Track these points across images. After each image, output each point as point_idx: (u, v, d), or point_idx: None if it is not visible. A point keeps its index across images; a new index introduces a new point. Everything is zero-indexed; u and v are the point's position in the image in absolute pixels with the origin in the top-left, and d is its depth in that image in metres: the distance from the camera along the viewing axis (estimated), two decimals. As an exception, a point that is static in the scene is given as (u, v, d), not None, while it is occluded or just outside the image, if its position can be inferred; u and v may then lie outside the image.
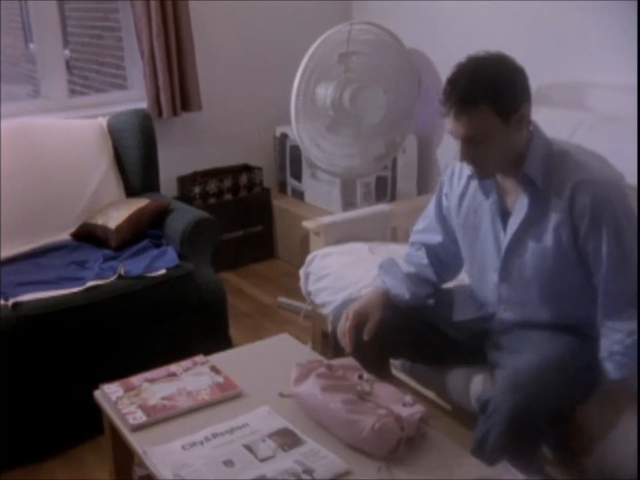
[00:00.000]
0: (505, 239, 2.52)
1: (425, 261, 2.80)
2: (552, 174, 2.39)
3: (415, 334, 2.68)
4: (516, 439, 2.22)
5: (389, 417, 2.16)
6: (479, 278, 2.70)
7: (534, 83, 3.88)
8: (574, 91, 3.83)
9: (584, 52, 3.86)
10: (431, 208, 2.83)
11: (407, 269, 2.79)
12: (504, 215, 2.53)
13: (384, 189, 4.83)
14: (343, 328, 2.61)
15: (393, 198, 4.85)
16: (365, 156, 4.31)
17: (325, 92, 4.03)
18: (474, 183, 2.60)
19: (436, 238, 2.81)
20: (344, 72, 4.05)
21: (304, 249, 3.93)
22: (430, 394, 2.94)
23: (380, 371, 2.59)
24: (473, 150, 2.35)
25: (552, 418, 2.29)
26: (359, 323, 2.60)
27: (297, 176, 5.11)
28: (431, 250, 2.82)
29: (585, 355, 2.42)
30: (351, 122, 4.12)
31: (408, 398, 2.29)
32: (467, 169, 2.57)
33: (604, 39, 3.75)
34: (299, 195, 5.17)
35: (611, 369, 2.35)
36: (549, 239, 2.41)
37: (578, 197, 2.33)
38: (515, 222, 2.48)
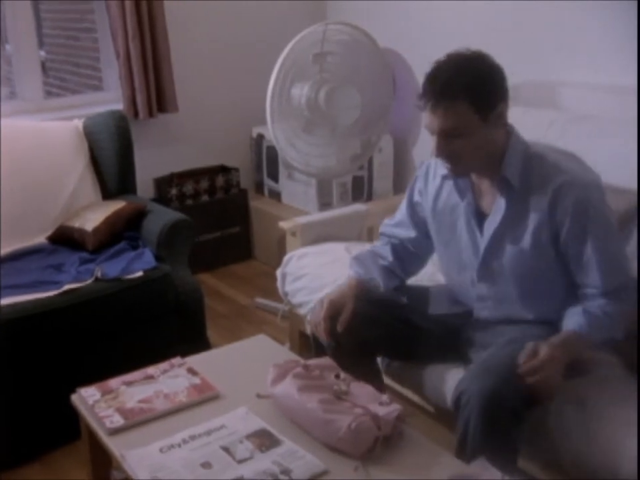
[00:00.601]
0: (483, 241, 2.53)
1: (390, 257, 2.83)
2: (530, 176, 2.41)
3: (389, 327, 2.70)
4: (494, 426, 2.22)
5: (365, 416, 2.16)
6: (456, 277, 2.72)
7: (509, 81, 3.90)
8: (546, 89, 3.85)
9: (557, 51, 3.89)
10: (403, 203, 2.86)
11: (380, 261, 2.82)
12: (479, 216, 2.55)
13: (360, 189, 4.85)
14: (318, 317, 2.62)
15: (369, 198, 4.87)
16: (340, 156, 4.33)
17: (300, 92, 4.04)
18: (449, 183, 2.61)
19: (408, 233, 2.84)
20: (319, 72, 4.06)
21: (281, 249, 3.94)
22: (408, 393, 2.95)
23: (358, 369, 2.58)
24: (449, 145, 2.35)
25: (527, 403, 2.29)
26: (334, 312, 2.62)
27: (274, 176, 5.12)
28: (400, 244, 2.86)
29: None
30: (326, 122, 4.13)
31: (385, 397, 2.30)
32: (441, 168, 2.58)
33: (577, 38, 3.78)
34: (275, 195, 5.17)
35: (577, 322, 2.36)
36: (527, 241, 2.43)
37: (559, 199, 2.35)
38: (491, 224, 2.50)
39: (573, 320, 2.38)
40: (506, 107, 2.39)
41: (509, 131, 2.45)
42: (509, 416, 2.24)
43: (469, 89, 2.28)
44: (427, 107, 2.33)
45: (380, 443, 2.16)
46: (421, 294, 2.84)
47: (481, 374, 2.30)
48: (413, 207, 2.81)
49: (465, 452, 2.26)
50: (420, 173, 2.77)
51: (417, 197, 2.79)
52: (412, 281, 2.95)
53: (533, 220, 2.41)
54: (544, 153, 2.45)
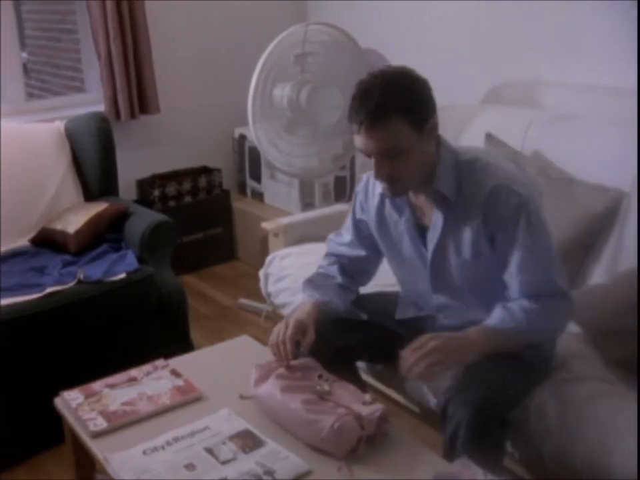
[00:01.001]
0: (427, 254, 2.51)
1: (339, 277, 2.74)
2: (462, 185, 2.37)
3: (361, 334, 2.67)
4: (484, 434, 2.22)
5: (348, 416, 2.17)
6: (413, 288, 2.68)
7: (489, 82, 3.94)
8: (527, 89, 3.86)
9: (537, 51, 3.91)
10: (349, 222, 2.79)
11: (332, 280, 2.74)
12: (421, 230, 2.51)
13: (343, 189, 4.86)
14: (282, 337, 2.48)
15: (351, 198, 4.85)
16: (322, 156, 4.33)
17: (281, 92, 4.04)
18: (388, 199, 2.57)
19: (357, 252, 2.77)
20: (300, 72, 4.05)
21: (264, 250, 3.94)
22: (392, 393, 2.96)
23: (336, 375, 2.55)
24: (388, 165, 2.29)
25: (511, 406, 2.32)
26: (298, 333, 2.51)
27: (256, 177, 5.12)
28: (348, 263, 2.78)
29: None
30: (308, 122, 4.13)
31: (367, 396, 2.30)
32: (379, 185, 2.53)
33: (560, 38, 3.80)
34: (258, 196, 5.18)
35: (494, 316, 2.36)
36: (467, 251, 2.41)
37: (490, 205, 2.32)
38: (432, 239, 2.47)
39: (492, 315, 2.38)
40: (437, 119, 2.34)
41: (438, 142, 2.40)
42: (497, 423, 2.25)
43: (402, 106, 2.23)
44: (361, 130, 2.26)
45: (363, 443, 2.17)
46: (389, 299, 2.79)
47: (469, 383, 2.28)
48: (358, 225, 2.75)
49: (453, 457, 2.23)
50: (359, 189, 2.71)
51: (359, 215, 2.72)
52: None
53: (469, 230, 2.38)
54: (475, 158, 2.41)
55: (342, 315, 2.67)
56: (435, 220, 2.44)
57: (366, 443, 2.18)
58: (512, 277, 2.36)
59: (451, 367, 2.32)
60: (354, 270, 2.79)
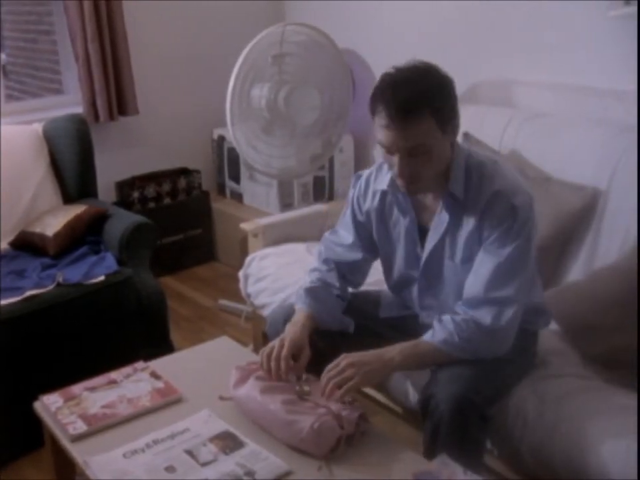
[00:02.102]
0: (423, 255, 2.50)
1: (337, 284, 2.68)
2: (469, 187, 2.36)
3: (343, 336, 2.64)
4: (464, 430, 2.23)
5: (327, 416, 2.17)
6: (400, 287, 2.68)
7: (466, 81, 3.95)
8: (505, 89, 3.88)
9: (514, 51, 3.92)
10: (348, 223, 2.73)
11: (333, 291, 2.68)
12: (420, 231, 2.51)
13: (322, 189, 4.87)
14: (277, 354, 2.40)
15: (330, 198, 4.88)
16: (301, 156, 4.33)
17: (259, 93, 4.04)
18: (389, 198, 2.56)
19: (356, 255, 2.71)
20: (278, 73, 4.06)
21: (243, 250, 3.93)
22: (373, 392, 2.96)
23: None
24: (413, 163, 2.25)
25: (492, 402, 2.33)
26: (293, 351, 2.45)
27: (235, 178, 5.12)
28: (346, 267, 2.72)
29: (519, 341, 2.42)
30: (286, 123, 4.14)
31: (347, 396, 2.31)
32: (381, 183, 2.53)
33: (533, 39, 3.82)
34: (237, 197, 5.18)
35: (434, 329, 2.36)
36: (460, 255, 2.41)
37: (487, 210, 2.32)
38: (431, 240, 2.46)
39: (429, 331, 2.38)
40: (459, 120, 2.33)
41: (453, 142, 2.38)
42: (477, 419, 2.25)
43: (432, 104, 2.19)
44: (390, 124, 2.21)
45: (343, 442, 2.17)
46: (372, 298, 2.80)
47: (450, 380, 2.28)
48: (357, 227, 2.70)
49: (434, 454, 2.23)
50: (357, 188, 2.67)
51: (359, 217, 2.69)
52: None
53: (466, 233, 2.38)
54: (481, 162, 2.39)
55: (332, 327, 2.63)
56: (439, 221, 2.43)
57: (345, 442, 2.18)
58: (479, 274, 2.35)
59: (366, 383, 2.34)
60: (350, 273, 2.74)
